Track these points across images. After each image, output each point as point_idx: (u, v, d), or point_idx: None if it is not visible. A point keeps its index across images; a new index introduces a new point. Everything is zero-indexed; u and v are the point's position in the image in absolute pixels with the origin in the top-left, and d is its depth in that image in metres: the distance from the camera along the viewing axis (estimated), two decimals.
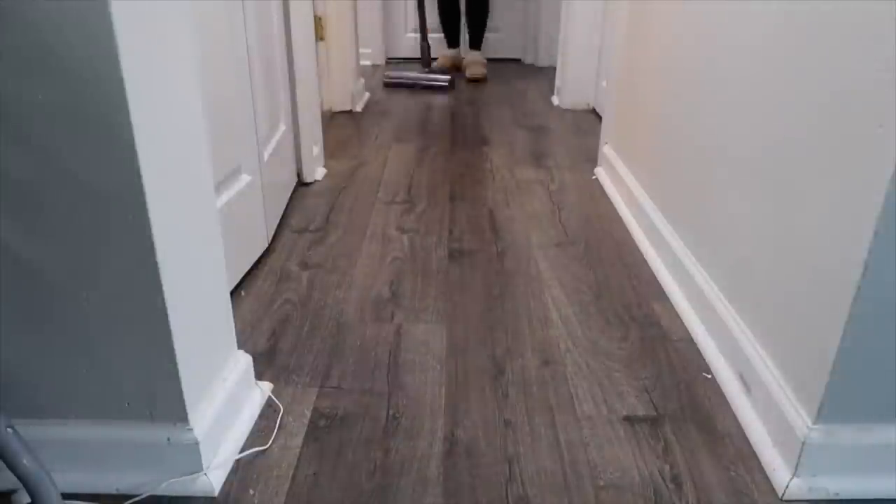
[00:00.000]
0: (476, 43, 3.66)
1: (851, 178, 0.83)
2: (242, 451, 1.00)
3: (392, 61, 4.04)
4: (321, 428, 1.05)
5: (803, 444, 0.90)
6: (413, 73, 3.37)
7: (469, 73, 3.56)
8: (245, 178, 1.45)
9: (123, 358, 0.85)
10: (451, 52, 3.73)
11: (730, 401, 1.11)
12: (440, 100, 3.16)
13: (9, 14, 0.67)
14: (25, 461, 0.74)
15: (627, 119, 1.93)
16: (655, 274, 1.52)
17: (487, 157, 2.35)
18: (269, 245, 1.63)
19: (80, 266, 0.79)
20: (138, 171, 0.74)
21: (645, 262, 1.58)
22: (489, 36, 3.74)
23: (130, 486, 0.91)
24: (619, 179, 1.92)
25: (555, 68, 3.24)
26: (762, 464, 0.98)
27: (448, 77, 3.26)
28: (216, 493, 0.93)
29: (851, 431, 0.90)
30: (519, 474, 0.97)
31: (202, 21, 1.19)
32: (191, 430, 0.90)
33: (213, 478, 0.93)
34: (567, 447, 1.02)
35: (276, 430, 1.04)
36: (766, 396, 1.00)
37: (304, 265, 1.56)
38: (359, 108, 2.94)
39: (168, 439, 0.89)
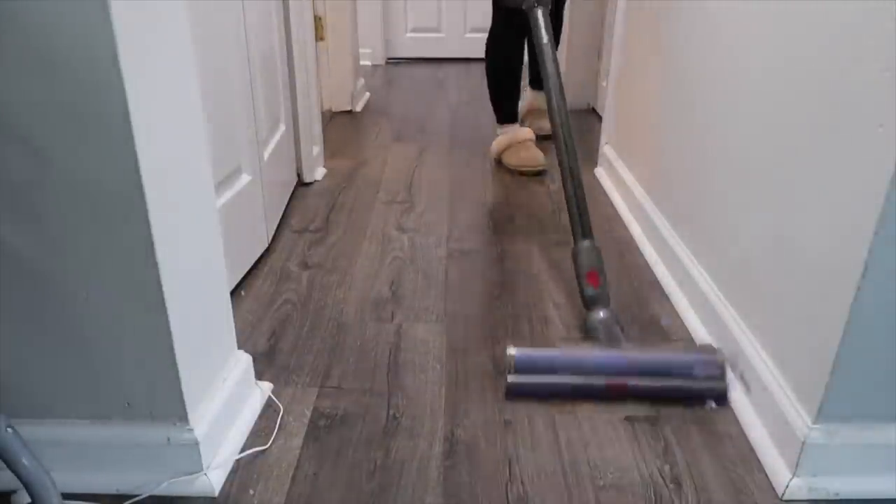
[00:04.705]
0: (541, 81, 1.98)
1: (851, 178, 0.83)
2: (242, 451, 1.00)
3: (392, 61, 4.04)
4: (321, 428, 1.05)
5: (803, 444, 0.90)
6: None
7: (539, 127, 2.30)
8: (245, 178, 1.45)
9: (123, 358, 0.85)
10: (512, 128, 2.21)
11: (730, 401, 1.11)
12: (440, 98, 3.15)
13: (9, 14, 0.67)
14: (25, 461, 0.74)
15: (627, 119, 1.93)
16: (656, 274, 1.52)
17: (487, 156, 2.35)
18: (269, 245, 1.63)
19: (80, 266, 0.79)
20: (138, 171, 0.74)
21: (645, 262, 1.58)
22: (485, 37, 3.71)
23: (130, 486, 0.91)
24: (619, 179, 1.92)
25: None
26: (762, 464, 0.98)
27: None
28: (216, 493, 0.93)
29: (851, 431, 0.90)
30: (519, 474, 0.97)
31: (202, 21, 1.19)
32: (191, 430, 0.90)
33: (213, 478, 0.93)
34: (567, 447, 1.02)
35: (276, 430, 1.04)
36: (766, 396, 1.00)
37: (304, 265, 1.56)
38: (359, 108, 2.94)
39: (168, 439, 0.89)
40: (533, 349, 1.18)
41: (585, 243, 1.31)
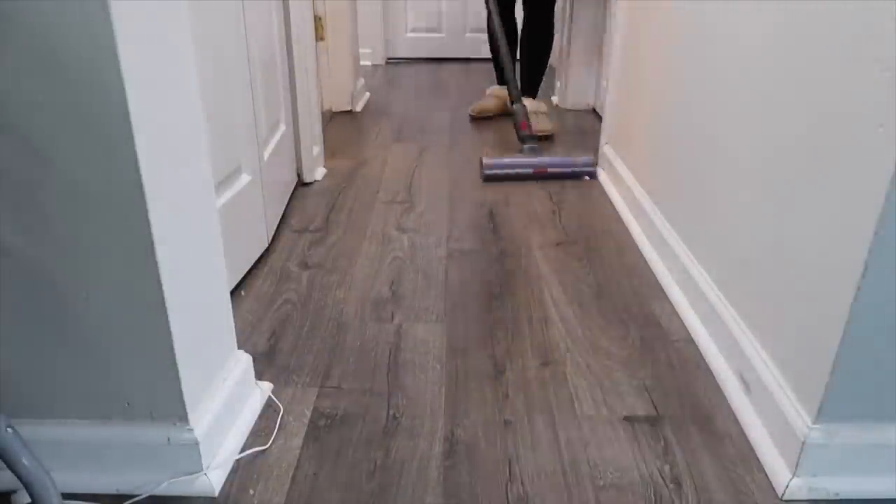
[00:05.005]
0: (531, 89, 2.67)
1: (851, 178, 0.83)
2: (242, 451, 1.00)
3: (392, 61, 4.04)
4: (321, 428, 1.05)
5: (803, 444, 0.90)
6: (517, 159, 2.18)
7: (540, 128, 2.52)
8: (245, 178, 1.45)
9: (123, 358, 0.85)
10: (496, 89, 2.83)
11: (730, 401, 1.11)
12: (440, 97, 3.15)
13: (9, 14, 0.67)
14: (25, 461, 0.74)
15: (627, 119, 1.93)
16: (655, 274, 1.52)
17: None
18: (269, 245, 1.63)
19: (80, 266, 0.79)
20: (138, 170, 0.74)
21: (645, 262, 1.58)
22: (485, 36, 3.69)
23: (130, 486, 0.91)
24: (619, 179, 1.92)
25: (555, 68, 3.24)
26: (762, 464, 0.98)
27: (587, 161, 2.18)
28: (216, 493, 0.93)
29: (851, 431, 0.90)
30: (519, 474, 0.97)
31: (202, 21, 1.19)
32: (191, 430, 0.90)
33: (213, 478, 0.93)
34: (567, 447, 1.02)
35: (276, 430, 1.04)
36: (766, 396, 1.00)
37: (304, 265, 1.56)
38: (359, 108, 2.94)
39: (168, 439, 0.89)
40: (496, 158, 2.17)
41: (517, 105, 2.35)
